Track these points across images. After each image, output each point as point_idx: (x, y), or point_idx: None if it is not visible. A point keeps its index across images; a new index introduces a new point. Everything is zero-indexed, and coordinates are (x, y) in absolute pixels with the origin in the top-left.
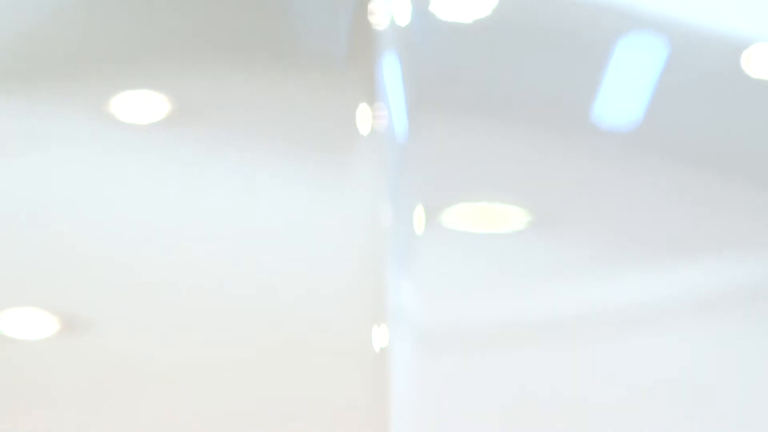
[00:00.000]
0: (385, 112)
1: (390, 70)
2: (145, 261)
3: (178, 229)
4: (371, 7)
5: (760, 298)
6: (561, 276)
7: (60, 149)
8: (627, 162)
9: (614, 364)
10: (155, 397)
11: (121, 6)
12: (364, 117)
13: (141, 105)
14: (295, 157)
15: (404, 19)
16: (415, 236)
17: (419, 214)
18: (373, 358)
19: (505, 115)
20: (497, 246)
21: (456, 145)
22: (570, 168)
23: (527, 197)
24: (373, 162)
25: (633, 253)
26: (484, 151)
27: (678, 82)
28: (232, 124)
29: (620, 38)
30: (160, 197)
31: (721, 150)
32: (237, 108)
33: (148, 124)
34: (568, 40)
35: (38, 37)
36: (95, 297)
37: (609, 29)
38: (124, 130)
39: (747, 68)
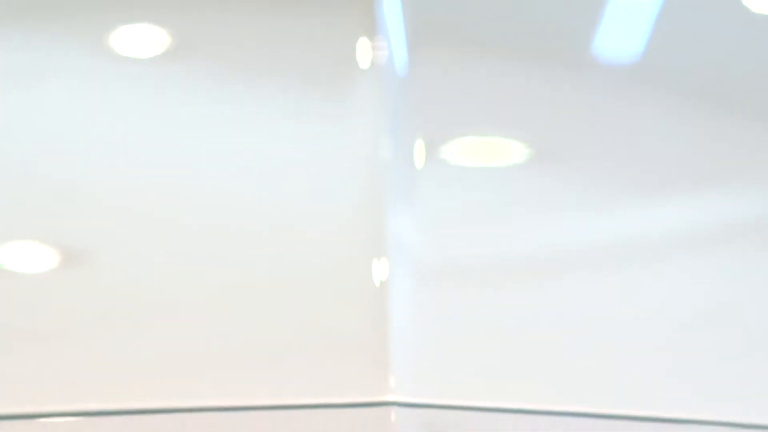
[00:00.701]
0: (385, 46)
1: (390, 3)
2: (147, 193)
3: (178, 162)
4: None
5: (759, 231)
6: (560, 209)
7: (61, 83)
8: (627, 96)
9: (613, 295)
10: (156, 328)
11: None
12: (364, 51)
13: (141, 39)
14: (295, 91)
15: None
16: (415, 170)
17: (419, 148)
18: (373, 291)
19: (506, 49)
20: (497, 180)
21: (456, 79)
22: (570, 102)
23: (527, 131)
24: (373, 96)
25: (632, 186)
26: (484, 85)
27: (679, 16)
28: (233, 58)
29: None
30: (161, 131)
31: (722, 84)
32: (237, 42)
33: (149, 58)
34: None
35: None
36: (95, 229)
37: None
38: (124, 64)
39: (748, 2)
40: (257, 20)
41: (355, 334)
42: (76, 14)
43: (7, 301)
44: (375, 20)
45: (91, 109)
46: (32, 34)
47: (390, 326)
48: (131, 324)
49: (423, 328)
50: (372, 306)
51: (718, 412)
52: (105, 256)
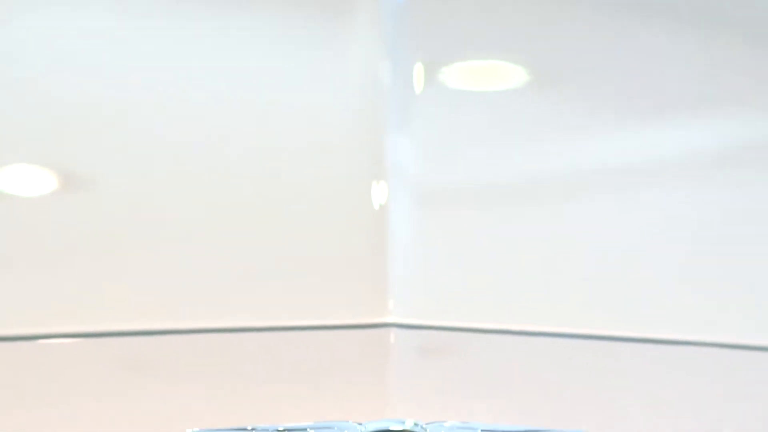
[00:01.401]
0: None
1: None
2: (149, 117)
3: (179, 85)
4: None
5: (759, 155)
6: (559, 133)
7: (56, 6)
8: (626, 20)
9: (612, 218)
10: (156, 251)
11: None
12: None
13: None
14: (294, 15)
15: None
16: (415, 94)
17: (418, 72)
18: (372, 214)
19: None
20: (496, 104)
21: (455, 3)
22: (569, 26)
23: (526, 55)
24: (372, 20)
25: (631, 110)
26: (483, 8)
27: None
28: None
29: None
30: (161, 53)
31: (721, 8)
32: None
33: None
34: None
35: None
36: (97, 152)
37: None
38: None
39: None
40: None
41: (354, 256)
42: None
43: (8, 223)
44: None
45: (90, 31)
46: None
47: (389, 249)
48: (131, 247)
49: (422, 250)
50: (371, 229)
51: (718, 333)
52: (106, 179)
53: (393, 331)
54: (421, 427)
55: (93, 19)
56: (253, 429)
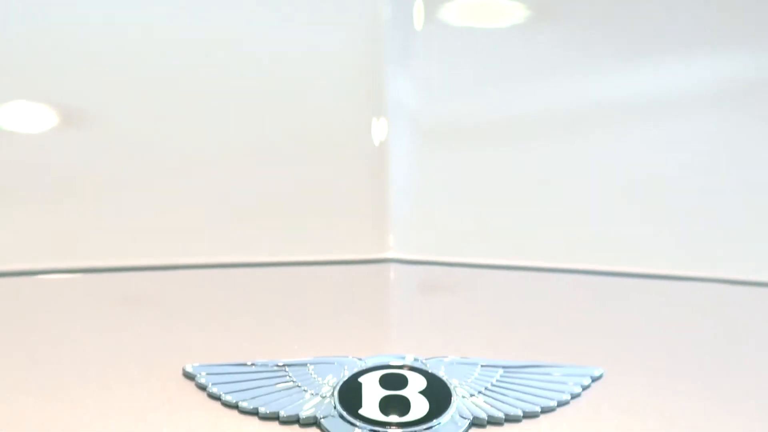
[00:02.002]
0: None
1: None
2: (150, 51)
3: (180, 20)
4: None
5: (754, 92)
6: (558, 70)
7: None
8: None
9: (610, 154)
10: (157, 186)
11: None
12: None
13: None
14: None
15: None
16: (415, 31)
17: (418, 8)
18: (372, 150)
19: None
20: (495, 41)
21: None
22: None
23: None
24: None
25: (631, 47)
26: None
27: None
28: None
29: None
30: None
31: None
32: None
33: None
34: None
35: None
36: (98, 87)
37: None
38: None
39: None
40: None
41: (355, 193)
42: None
43: (7, 159)
44: None
45: None
46: None
47: (389, 185)
48: (130, 183)
49: (422, 187)
50: (371, 165)
51: (712, 269)
52: (106, 114)
53: (393, 266)
54: (422, 362)
55: None
56: (252, 364)
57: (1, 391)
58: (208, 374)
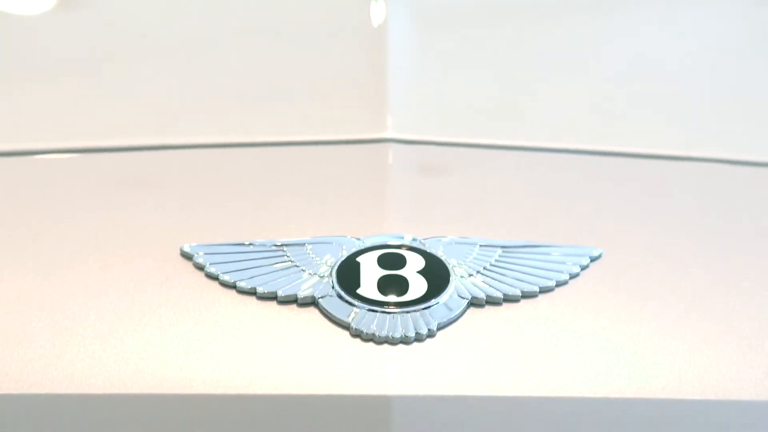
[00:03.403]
0: None
1: None
2: None
3: None
4: None
5: None
6: None
7: None
8: None
9: (611, 36)
10: (157, 67)
11: None
12: None
13: None
14: None
15: None
16: None
17: None
18: (371, 32)
19: None
20: None
21: None
22: None
23: None
24: None
25: None
26: None
27: None
28: None
29: None
30: None
31: None
32: None
33: None
34: None
35: None
36: None
37: None
38: None
39: None
40: None
41: (354, 74)
42: None
43: (6, 40)
44: None
45: None
46: None
47: (387, 66)
48: (130, 63)
49: (420, 68)
50: (370, 47)
51: (711, 149)
52: None
53: (392, 146)
54: (420, 242)
55: None
56: (250, 244)
57: (1, 268)
58: (205, 254)
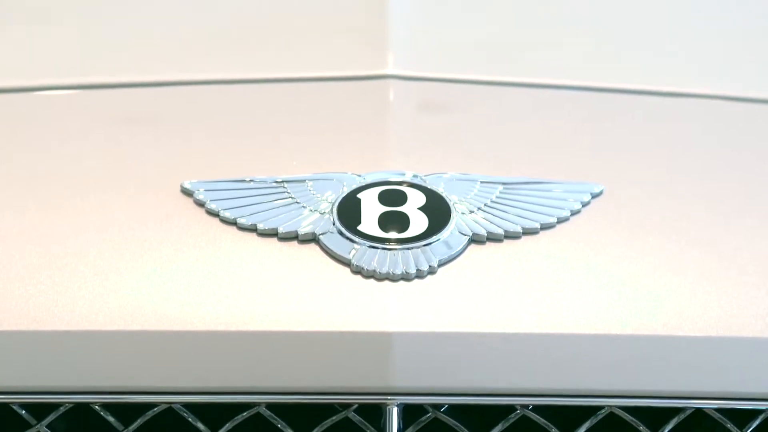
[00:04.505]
0: None
1: None
2: None
3: None
4: None
5: None
6: None
7: None
8: None
9: None
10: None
11: None
12: None
13: None
14: None
15: None
16: None
17: None
18: None
19: None
20: None
21: None
22: None
23: None
24: None
25: None
26: None
27: None
28: None
29: None
30: None
31: None
32: None
33: None
34: None
35: None
36: None
37: None
38: None
39: None
40: None
41: (355, 11)
42: None
43: None
44: None
45: None
46: None
47: (389, 2)
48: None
49: (422, 4)
50: None
51: (713, 85)
52: None
53: (392, 83)
54: (421, 178)
55: None
56: (251, 180)
57: (2, 205)
58: (206, 190)
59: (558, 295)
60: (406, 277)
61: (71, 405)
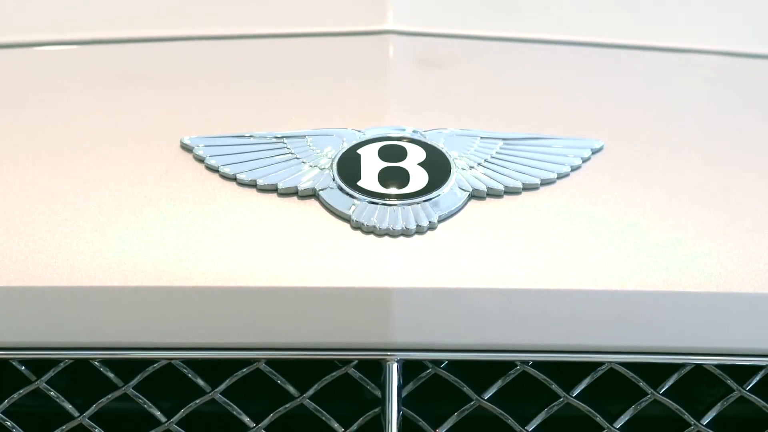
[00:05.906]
0: None
1: None
2: None
3: None
4: None
5: None
6: None
7: None
8: None
9: None
10: None
11: None
12: None
13: None
14: None
15: None
16: None
17: None
18: None
19: None
20: None
21: None
22: None
23: None
24: None
25: None
26: None
27: None
28: None
29: None
30: None
31: None
32: None
33: None
34: None
35: None
36: None
37: None
38: None
39: None
40: None
41: None
42: None
43: None
44: None
45: None
46: None
47: None
48: None
49: None
50: None
51: (712, 41)
52: None
53: (392, 38)
54: (421, 134)
55: None
56: (250, 136)
57: (1, 162)
58: (205, 146)
59: (558, 251)
60: (405, 233)
61: (71, 361)
